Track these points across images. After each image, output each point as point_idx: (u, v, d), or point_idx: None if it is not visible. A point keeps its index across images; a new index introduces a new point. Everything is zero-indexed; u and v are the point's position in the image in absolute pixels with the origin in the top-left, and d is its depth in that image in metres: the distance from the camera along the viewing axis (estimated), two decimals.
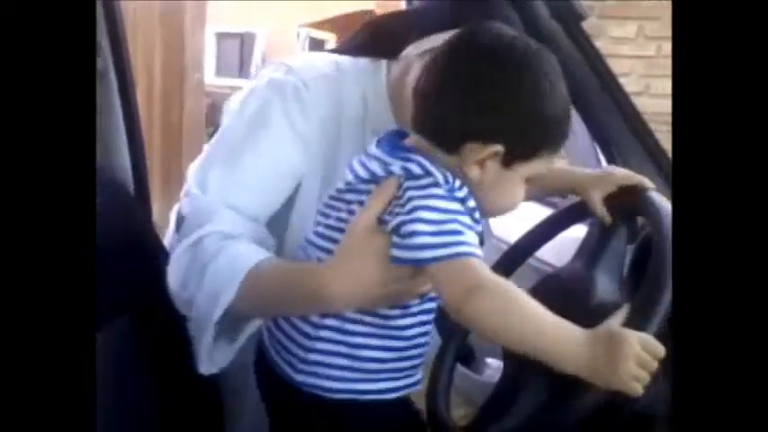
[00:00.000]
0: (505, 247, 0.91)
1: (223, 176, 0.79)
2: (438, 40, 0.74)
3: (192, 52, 3.09)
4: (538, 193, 0.78)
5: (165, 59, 2.96)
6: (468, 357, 1.56)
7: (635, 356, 0.55)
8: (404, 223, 0.62)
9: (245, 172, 0.79)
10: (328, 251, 0.70)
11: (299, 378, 0.72)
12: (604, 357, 0.55)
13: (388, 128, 0.80)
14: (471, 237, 0.62)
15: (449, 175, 0.63)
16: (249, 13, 8.62)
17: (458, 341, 0.87)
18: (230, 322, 0.74)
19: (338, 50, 0.93)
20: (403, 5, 1.68)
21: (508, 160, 0.63)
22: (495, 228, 1.47)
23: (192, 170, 0.85)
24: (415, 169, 0.63)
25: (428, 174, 0.63)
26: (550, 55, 0.65)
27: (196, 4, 3.03)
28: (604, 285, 0.71)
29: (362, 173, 0.68)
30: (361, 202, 0.68)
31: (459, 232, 0.61)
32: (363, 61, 0.88)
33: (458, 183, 0.63)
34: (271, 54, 8.86)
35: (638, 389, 0.56)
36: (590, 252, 0.74)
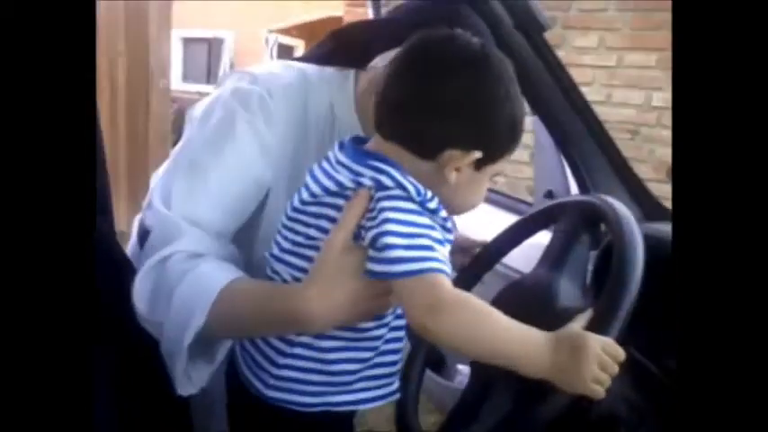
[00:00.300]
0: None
1: (187, 191, 0.76)
2: None
3: (157, 58, 3.05)
4: None
5: (129, 65, 2.91)
6: (440, 364, 1.57)
7: (597, 360, 0.57)
8: (379, 236, 0.61)
9: (210, 186, 0.76)
10: (300, 269, 0.69)
11: (271, 393, 0.71)
12: (568, 361, 0.57)
13: (355, 134, 0.79)
14: (441, 253, 0.62)
15: (420, 187, 0.63)
16: (216, 18, 8.56)
17: (426, 348, 0.87)
18: (204, 343, 0.72)
19: (305, 59, 0.92)
20: (370, 12, 1.70)
21: (481, 164, 0.65)
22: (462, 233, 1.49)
23: (156, 181, 0.83)
24: (387, 181, 0.63)
25: (400, 186, 0.63)
26: (504, 57, 0.67)
27: (161, 9, 2.99)
28: (568, 291, 0.72)
29: (329, 184, 0.67)
30: (329, 217, 0.67)
31: (430, 248, 0.61)
32: (330, 70, 0.87)
33: (429, 194, 0.64)
34: (239, 59, 8.81)
35: (600, 392, 0.57)
36: (553, 258, 0.76)
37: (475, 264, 0.89)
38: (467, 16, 0.82)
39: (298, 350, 0.69)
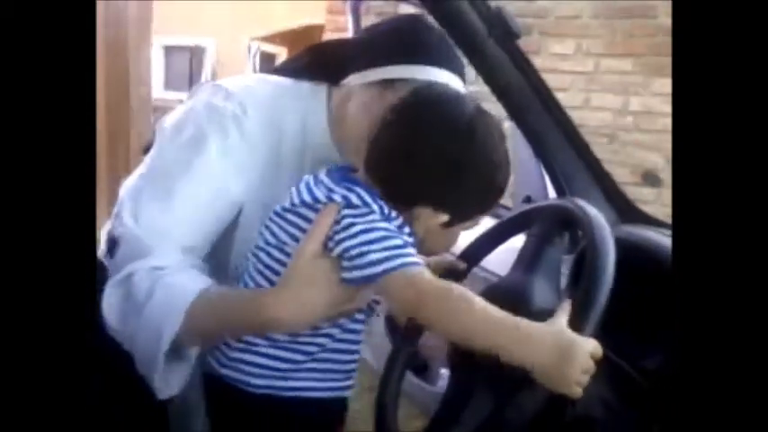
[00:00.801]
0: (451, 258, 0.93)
1: (156, 206, 0.77)
2: (384, 73, 0.81)
3: (137, 66, 3.02)
4: None
5: (108, 73, 2.88)
6: (423, 368, 1.57)
7: (582, 363, 0.58)
8: (351, 247, 0.66)
9: (180, 202, 0.77)
10: (267, 266, 0.75)
11: (224, 372, 0.77)
12: (555, 360, 0.58)
13: (328, 152, 0.85)
14: (412, 250, 0.68)
15: (385, 207, 0.69)
16: (198, 26, 8.52)
17: (406, 352, 0.88)
18: (177, 347, 0.73)
19: (280, 71, 0.93)
20: (349, 21, 1.71)
21: (450, 224, 0.72)
22: None
23: (125, 192, 0.83)
24: (354, 199, 0.68)
25: (366, 205, 0.68)
26: (496, 120, 0.72)
27: (140, 16, 2.97)
28: (542, 293, 0.73)
29: (306, 197, 0.72)
30: (298, 226, 0.73)
31: (402, 246, 0.66)
32: (304, 85, 0.88)
33: (394, 213, 0.69)
34: (221, 67, 8.77)
35: (579, 392, 0.59)
36: (527, 261, 0.77)
37: (453, 268, 0.90)
38: (438, 44, 0.85)
39: (251, 337, 0.75)
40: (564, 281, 0.93)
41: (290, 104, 0.86)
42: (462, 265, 0.88)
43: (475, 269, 0.91)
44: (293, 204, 0.74)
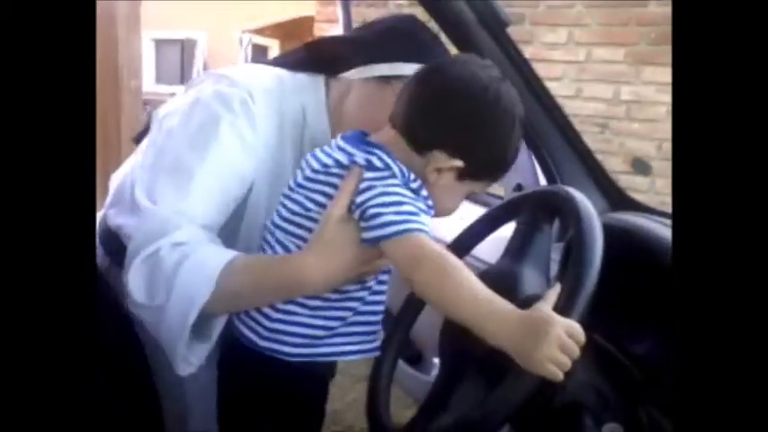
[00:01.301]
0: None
1: (173, 188, 0.79)
2: (382, 69, 0.86)
3: (126, 59, 3.00)
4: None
5: (98, 68, 2.86)
6: (416, 358, 1.58)
7: (557, 342, 0.57)
8: (368, 208, 0.69)
9: (196, 183, 0.79)
10: (297, 236, 0.77)
11: (264, 344, 0.78)
12: (529, 337, 0.58)
13: (325, 137, 0.88)
14: (425, 218, 0.71)
15: (405, 169, 0.71)
16: (188, 19, 8.47)
17: (398, 340, 0.88)
18: (200, 324, 0.76)
19: (279, 63, 0.96)
20: (339, 12, 1.71)
21: (462, 175, 0.74)
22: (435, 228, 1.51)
23: (123, 183, 0.86)
24: (376, 162, 0.71)
25: (387, 167, 0.71)
26: (517, 97, 0.75)
27: (129, 9, 2.94)
28: (531, 280, 0.74)
29: (328, 161, 0.75)
30: (324, 192, 0.75)
31: (414, 213, 0.69)
32: (302, 76, 0.92)
33: (412, 176, 0.72)
34: (212, 60, 8.73)
35: (557, 374, 0.57)
36: (516, 249, 0.77)
37: None
38: (431, 45, 0.90)
39: (290, 307, 0.77)
40: (556, 268, 0.94)
41: (290, 93, 0.89)
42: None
43: (466, 258, 0.92)
44: (314, 171, 0.77)
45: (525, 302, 0.70)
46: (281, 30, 8.47)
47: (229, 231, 0.86)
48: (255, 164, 0.84)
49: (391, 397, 0.86)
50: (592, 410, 0.71)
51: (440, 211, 0.76)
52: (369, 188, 0.70)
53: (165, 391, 0.93)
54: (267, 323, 0.78)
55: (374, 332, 0.83)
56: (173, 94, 0.94)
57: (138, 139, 0.97)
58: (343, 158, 0.74)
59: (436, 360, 1.41)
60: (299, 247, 0.77)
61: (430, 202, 0.74)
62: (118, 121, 3.06)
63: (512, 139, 0.74)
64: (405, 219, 0.68)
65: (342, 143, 0.76)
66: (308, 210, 0.76)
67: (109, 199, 0.95)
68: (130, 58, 3.04)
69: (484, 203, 1.52)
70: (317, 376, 0.86)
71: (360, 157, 0.73)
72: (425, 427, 0.70)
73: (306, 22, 4.53)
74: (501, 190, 1.74)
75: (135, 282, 0.75)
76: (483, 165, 0.74)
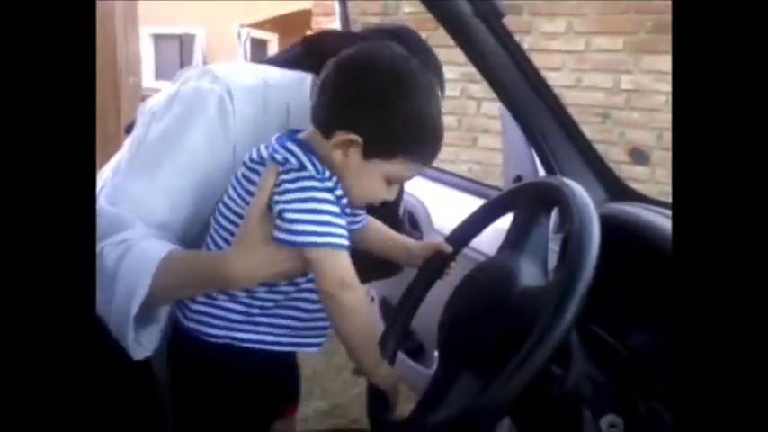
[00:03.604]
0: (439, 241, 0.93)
1: (138, 181, 0.80)
2: None
3: (125, 55, 3.00)
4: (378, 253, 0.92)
5: (96, 63, 2.85)
6: (417, 351, 1.59)
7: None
8: (284, 210, 0.71)
9: (158, 180, 0.80)
10: (225, 229, 0.79)
11: (188, 324, 0.82)
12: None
13: None
14: (341, 228, 0.72)
15: (320, 166, 0.72)
16: (187, 14, 8.44)
17: (398, 332, 0.88)
18: (147, 310, 0.79)
19: (273, 61, 0.95)
20: (336, 5, 1.70)
21: (367, 153, 0.72)
22: (435, 221, 1.51)
23: (103, 179, 0.85)
24: (292, 160, 0.72)
25: (302, 166, 0.72)
26: (428, 74, 0.73)
27: (126, 5, 2.94)
28: (529, 271, 0.74)
29: (254, 156, 0.77)
30: (244, 187, 0.77)
31: (330, 223, 0.71)
32: (290, 74, 0.91)
33: (327, 173, 0.73)
34: (211, 55, 8.71)
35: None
36: (514, 241, 0.77)
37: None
38: (418, 42, 0.92)
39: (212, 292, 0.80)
40: (554, 259, 0.93)
41: (274, 90, 0.88)
42: (449, 249, 0.88)
43: (464, 250, 0.92)
44: (247, 166, 0.78)
45: (524, 293, 0.71)
46: (280, 23, 8.44)
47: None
48: (226, 164, 0.83)
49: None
50: (590, 402, 0.71)
51: (355, 197, 0.75)
52: (285, 190, 0.72)
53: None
54: (191, 305, 0.81)
55: (302, 328, 0.83)
56: None
57: (128, 129, 0.97)
58: (265, 153, 0.75)
59: (437, 353, 1.41)
60: (224, 239, 0.79)
61: (344, 201, 0.75)
62: (117, 117, 3.06)
63: (419, 116, 0.71)
64: (322, 231, 0.70)
65: (273, 139, 0.77)
66: (237, 204, 0.78)
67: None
68: (129, 54, 3.04)
69: (482, 195, 1.52)
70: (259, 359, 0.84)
71: (279, 154, 0.73)
72: (425, 420, 0.70)
73: (304, 16, 4.51)
74: (500, 181, 1.74)
75: None
76: (385, 140, 0.72)
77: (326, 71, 0.74)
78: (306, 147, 0.74)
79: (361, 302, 0.73)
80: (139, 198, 0.79)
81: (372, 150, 0.72)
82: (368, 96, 0.70)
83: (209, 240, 0.82)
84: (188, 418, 0.88)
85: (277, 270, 0.75)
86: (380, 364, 0.77)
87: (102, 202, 0.80)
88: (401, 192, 1.07)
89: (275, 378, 0.87)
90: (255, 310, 0.80)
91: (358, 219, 0.85)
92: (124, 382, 0.96)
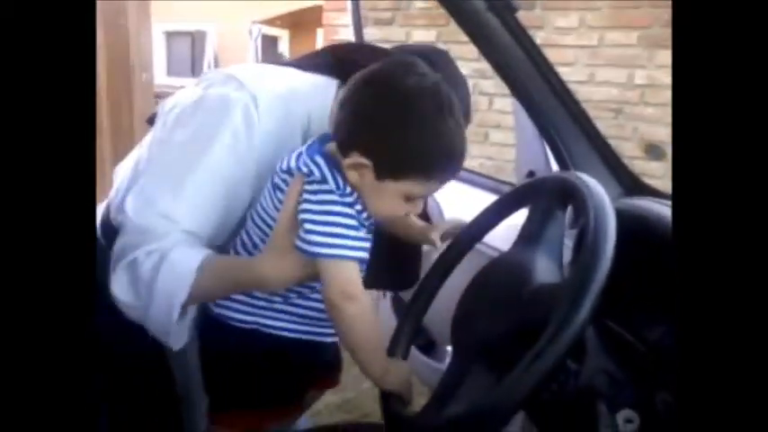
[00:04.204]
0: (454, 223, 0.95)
1: (165, 193, 0.81)
2: None
3: (137, 52, 3.02)
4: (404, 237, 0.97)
5: (109, 60, 2.87)
6: (429, 346, 1.59)
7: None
8: (303, 221, 0.74)
9: (186, 190, 0.81)
10: (262, 231, 0.83)
11: (216, 310, 0.87)
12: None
13: None
14: (356, 240, 0.74)
15: (341, 181, 0.74)
16: (198, 11, 8.47)
17: (410, 328, 0.89)
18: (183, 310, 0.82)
19: (296, 65, 0.95)
20: (348, 2, 1.70)
21: (379, 175, 0.73)
22: (447, 216, 1.50)
23: (128, 179, 0.88)
24: (316, 173, 0.75)
25: (324, 179, 0.74)
26: (446, 90, 0.73)
27: (139, 3, 2.95)
28: (544, 267, 0.73)
29: (284, 165, 0.79)
30: (275, 195, 0.80)
31: (344, 236, 0.74)
32: (314, 79, 0.91)
33: (348, 189, 0.75)
34: (223, 51, 8.74)
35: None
36: (529, 236, 0.77)
37: (456, 244, 0.90)
38: (445, 61, 0.93)
39: None
40: (569, 254, 0.93)
41: (300, 98, 0.88)
42: (457, 231, 0.92)
43: (477, 245, 0.92)
44: (276, 173, 0.81)
45: (539, 289, 0.70)
46: (291, 20, 8.44)
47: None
48: (250, 173, 0.84)
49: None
50: (606, 397, 0.71)
51: (375, 213, 0.77)
52: (306, 200, 0.75)
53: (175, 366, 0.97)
54: None
55: (327, 319, 0.85)
56: (183, 87, 0.94)
57: (150, 121, 0.98)
58: (294, 164, 0.78)
59: (449, 348, 1.41)
60: (257, 246, 0.84)
61: (364, 215, 0.77)
62: (130, 113, 3.08)
63: (430, 136, 0.71)
64: (334, 243, 0.73)
65: (303, 148, 0.79)
66: (266, 212, 0.82)
67: (112, 192, 0.96)
68: (141, 51, 3.06)
69: (495, 191, 1.52)
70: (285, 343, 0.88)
71: (305, 165, 0.76)
72: (438, 415, 0.70)
73: (315, 12, 4.51)
74: (512, 177, 1.73)
75: (118, 287, 0.82)
76: (395, 162, 0.72)
77: (348, 86, 0.75)
78: (331, 161, 0.75)
79: (363, 313, 0.75)
80: (167, 209, 0.81)
81: (384, 172, 0.73)
82: (379, 119, 0.71)
83: (239, 245, 0.86)
84: (220, 397, 0.93)
85: (303, 275, 0.78)
86: (388, 372, 0.78)
87: (129, 213, 0.82)
88: None
89: (299, 362, 0.90)
90: (278, 299, 0.84)
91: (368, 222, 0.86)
92: (133, 379, 0.97)
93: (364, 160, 0.72)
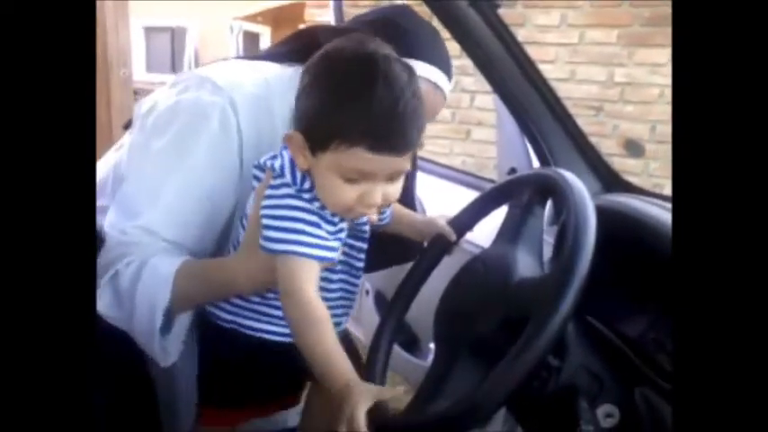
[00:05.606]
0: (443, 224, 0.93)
1: (144, 211, 0.80)
2: None
3: (115, 47, 2.96)
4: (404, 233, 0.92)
5: None
6: (412, 343, 1.59)
7: (349, 423, 0.60)
8: (263, 216, 0.72)
9: (163, 200, 0.80)
10: (243, 233, 0.80)
11: (207, 307, 0.84)
12: (339, 409, 0.61)
13: None
14: (313, 237, 0.70)
15: (299, 176, 0.71)
16: (178, 7, 8.36)
17: (393, 324, 0.88)
18: (168, 320, 0.80)
19: (270, 56, 0.92)
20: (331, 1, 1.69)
21: (311, 148, 0.68)
22: (430, 214, 1.50)
23: (108, 184, 0.88)
24: (276, 167, 0.72)
25: (282, 174, 0.72)
26: (385, 63, 0.66)
27: None
28: (525, 262, 0.74)
29: (260, 162, 0.77)
30: (251, 192, 0.78)
31: (299, 231, 0.70)
32: (290, 70, 0.88)
33: (307, 184, 0.71)
34: (203, 48, 8.64)
35: None
36: (509, 232, 0.77)
37: (438, 241, 0.90)
38: (427, 39, 0.87)
39: None
40: (549, 251, 0.94)
41: (278, 91, 0.86)
42: (453, 236, 0.88)
43: (459, 242, 0.92)
44: (253, 168, 0.79)
45: (519, 284, 0.71)
46: (273, 16, 8.38)
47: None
48: (234, 177, 0.82)
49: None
50: (587, 393, 0.71)
51: (324, 202, 0.71)
52: (268, 196, 0.72)
53: (156, 381, 0.94)
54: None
55: None
56: (163, 83, 0.92)
57: (127, 126, 0.95)
58: (263, 160, 0.76)
59: (432, 345, 1.42)
60: (234, 246, 0.82)
61: (327, 212, 0.72)
62: (108, 109, 3.03)
63: (351, 102, 0.65)
64: (287, 238, 0.70)
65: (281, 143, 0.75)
66: (247, 210, 0.79)
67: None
68: (119, 47, 3.01)
69: (477, 188, 1.52)
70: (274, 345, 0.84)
71: (275, 161, 0.73)
72: (422, 412, 0.70)
73: (297, 8, 4.48)
74: (493, 174, 1.74)
75: (102, 302, 0.80)
76: (319, 130, 0.67)
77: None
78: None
79: (304, 316, 0.68)
80: (146, 221, 0.79)
81: (313, 144, 0.68)
82: (305, 91, 0.68)
83: (231, 248, 0.84)
84: (210, 389, 0.90)
85: (271, 277, 0.73)
86: (341, 379, 0.65)
87: (110, 227, 0.80)
88: (413, 178, 1.07)
89: (278, 366, 0.87)
90: (257, 298, 0.81)
91: (384, 215, 0.85)
92: (121, 377, 0.96)
93: (295, 134, 0.69)
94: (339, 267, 0.82)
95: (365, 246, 0.83)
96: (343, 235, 0.76)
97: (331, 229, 0.73)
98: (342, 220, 0.74)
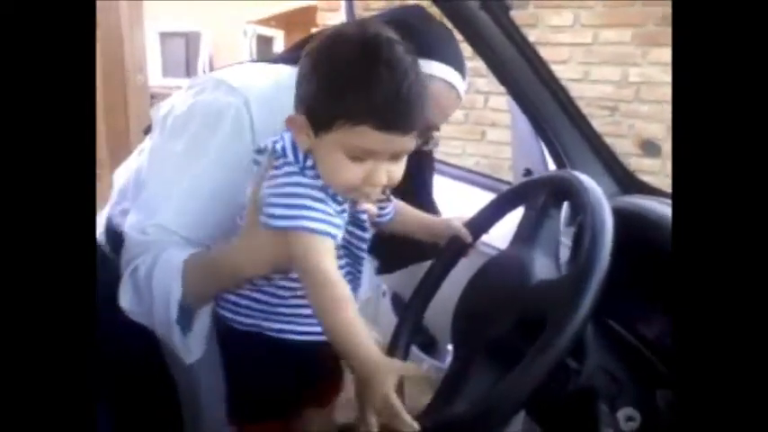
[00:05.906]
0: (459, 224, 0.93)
1: (158, 202, 0.82)
2: None
3: (131, 53, 3.00)
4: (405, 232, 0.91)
5: (103, 62, 2.85)
6: (430, 345, 1.59)
7: (380, 402, 0.59)
8: (264, 195, 0.71)
9: (178, 199, 0.82)
10: (242, 219, 0.79)
11: (221, 312, 0.84)
12: (368, 386, 0.60)
13: None
14: (320, 213, 0.69)
15: (301, 155, 0.71)
16: (193, 12, 8.43)
17: (410, 325, 0.89)
18: (188, 316, 0.82)
19: (284, 59, 0.94)
20: (343, 4, 1.70)
21: (315, 129, 0.69)
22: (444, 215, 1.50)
23: (128, 186, 0.89)
24: (278, 148, 0.72)
25: (284, 154, 0.72)
26: (389, 45, 0.67)
27: (132, 4, 2.94)
28: (542, 265, 0.73)
29: (262, 144, 0.77)
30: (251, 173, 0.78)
31: (306, 207, 0.69)
32: None
33: (309, 162, 0.71)
34: (217, 52, 8.70)
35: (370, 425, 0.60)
36: (526, 235, 0.77)
37: (455, 243, 0.90)
38: (441, 39, 0.87)
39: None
40: (566, 253, 0.93)
41: (290, 89, 0.86)
42: (469, 238, 0.88)
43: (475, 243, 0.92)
44: (252, 153, 0.78)
45: (537, 286, 0.71)
46: (286, 20, 8.42)
47: None
48: (247, 179, 0.81)
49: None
50: (606, 396, 0.71)
51: (328, 181, 0.71)
52: (271, 176, 0.72)
53: (178, 379, 0.95)
54: (225, 295, 0.83)
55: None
56: (180, 87, 0.94)
57: (147, 131, 0.97)
58: (268, 142, 0.75)
59: (450, 346, 1.41)
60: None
61: (331, 190, 0.71)
62: (125, 115, 3.06)
63: (350, 81, 0.65)
64: (297, 214, 0.68)
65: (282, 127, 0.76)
66: (245, 191, 0.79)
67: (113, 198, 0.97)
68: (135, 52, 3.04)
69: (492, 189, 1.52)
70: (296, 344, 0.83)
71: (277, 143, 0.73)
72: (441, 414, 0.70)
73: (309, 12, 4.50)
74: (507, 175, 1.74)
75: (124, 296, 0.82)
76: (321, 109, 0.67)
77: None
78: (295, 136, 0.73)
79: (325, 296, 0.67)
80: (164, 220, 0.82)
81: (317, 124, 0.68)
82: (302, 76, 0.69)
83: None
84: (243, 404, 0.89)
85: (276, 254, 0.73)
86: (366, 356, 0.63)
87: (130, 226, 0.83)
88: (430, 180, 1.07)
89: (301, 366, 0.86)
90: (275, 300, 0.81)
91: (385, 212, 0.85)
92: (140, 375, 0.97)
93: (297, 116, 0.70)
94: (342, 252, 0.81)
95: (366, 235, 0.82)
96: (346, 216, 0.75)
97: (336, 207, 0.72)
98: (344, 200, 0.74)
